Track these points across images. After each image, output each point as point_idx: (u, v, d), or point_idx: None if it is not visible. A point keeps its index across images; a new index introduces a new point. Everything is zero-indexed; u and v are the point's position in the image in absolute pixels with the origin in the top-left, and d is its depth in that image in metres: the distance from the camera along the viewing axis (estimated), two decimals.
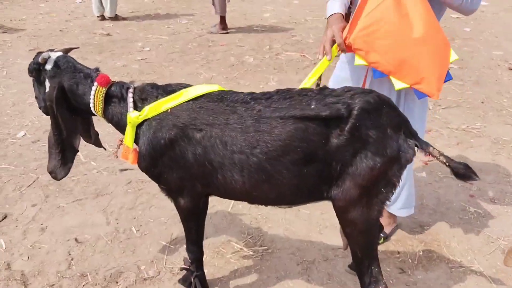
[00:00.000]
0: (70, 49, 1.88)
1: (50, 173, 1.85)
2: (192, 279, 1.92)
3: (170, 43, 5.73)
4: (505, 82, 4.79)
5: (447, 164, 1.53)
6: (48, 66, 1.72)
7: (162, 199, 2.68)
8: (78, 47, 2.15)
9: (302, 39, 6.07)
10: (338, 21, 1.85)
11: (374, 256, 1.63)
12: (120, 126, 1.73)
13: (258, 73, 4.83)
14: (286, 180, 1.53)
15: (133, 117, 1.64)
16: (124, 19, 6.71)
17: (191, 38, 5.95)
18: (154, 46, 5.60)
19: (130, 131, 1.67)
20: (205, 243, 2.12)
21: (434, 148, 1.54)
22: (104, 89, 1.69)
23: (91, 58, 5.05)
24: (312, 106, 1.47)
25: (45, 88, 1.76)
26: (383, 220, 2.30)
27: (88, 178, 2.88)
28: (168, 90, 1.68)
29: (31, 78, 1.82)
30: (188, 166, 1.61)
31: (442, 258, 2.32)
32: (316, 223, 2.54)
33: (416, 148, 1.54)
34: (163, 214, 2.56)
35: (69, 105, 1.75)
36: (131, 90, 1.70)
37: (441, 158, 1.53)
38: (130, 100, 1.67)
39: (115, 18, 6.61)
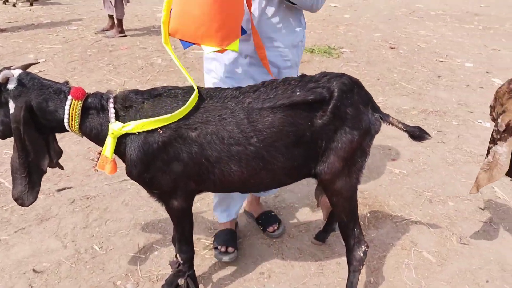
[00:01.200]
0: (30, 65, 1.73)
1: (16, 199, 1.69)
2: (184, 279, 1.92)
3: (66, 51, 5.35)
4: (390, 60, 5.47)
5: (404, 129, 1.79)
6: (11, 85, 1.58)
7: (115, 212, 2.60)
8: (38, 62, 1.96)
9: None
10: None
11: (356, 219, 1.84)
12: (100, 139, 1.67)
13: (172, 73, 4.80)
14: (281, 164, 1.64)
15: (116, 128, 1.59)
16: (2, 30, 6.05)
17: (88, 45, 5.62)
18: (49, 56, 5.17)
19: (111, 142, 1.61)
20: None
21: (393, 118, 1.79)
22: (80, 102, 1.61)
23: None
24: (298, 93, 1.61)
25: (6, 110, 1.61)
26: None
27: None
28: (154, 94, 1.66)
29: None
30: (182, 166, 1.63)
31: (386, 215, 2.65)
32: (274, 207, 2.69)
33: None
34: (122, 226, 2.48)
35: (37, 124, 1.63)
36: (111, 100, 1.64)
37: (400, 125, 1.79)
38: (111, 110, 1.62)
39: None
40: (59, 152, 1.81)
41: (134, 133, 1.60)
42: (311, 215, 2.64)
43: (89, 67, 4.90)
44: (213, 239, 2.35)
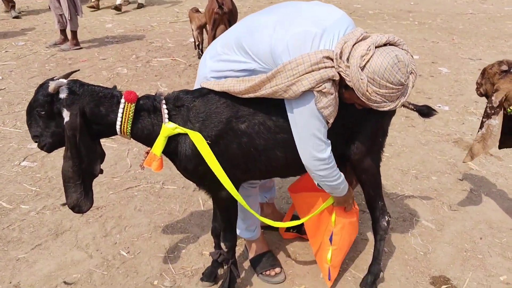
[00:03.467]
0: (71, 73, 1.75)
1: (73, 208, 1.70)
2: (228, 266, 2.01)
3: (23, 67, 5.12)
4: None
5: (415, 109, 2.04)
6: (63, 95, 1.61)
7: (131, 218, 2.62)
8: (79, 69, 1.94)
9: (162, 44, 6.14)
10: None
11: (381, 193, 2.06)
12: (150, 139, 1.72)
13: (142, 82, 4.78)
14: None
15: (170, 127, 1.66)
16: None
17: (44, 59, 5.41)
18: (5, 74, 4.93)
19: (162, 140, 1.68)
20: (190, 247, 2.21)
21: (405, 101, 2.03)
22: (133, 105, 1.66)
23: None
24: None
25: (58, 120, 1.63)
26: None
27: (30, 222, 2.56)
28: (203, 92, 1.75)
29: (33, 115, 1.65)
30: (232, 157, 1.73)
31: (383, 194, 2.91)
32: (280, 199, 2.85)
33: None
34: (142, 231, 2.51)
35: (89, 130, 1.65)
36: (163, 101, 1.71)
37: (411, 106, 2.03)
38: (164, 111, 1.69)
39: None
40: (103, 155, 1.85)
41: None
42: None
43: None
44: (249, 263, 2.29)
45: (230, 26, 4.41)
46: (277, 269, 2.20)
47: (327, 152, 1.68)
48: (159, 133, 1.70)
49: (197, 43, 5.46)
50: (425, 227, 2.60)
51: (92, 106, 1.64)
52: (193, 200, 2.80)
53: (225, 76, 1.74)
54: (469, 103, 4.37)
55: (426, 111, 2.05)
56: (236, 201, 1.89)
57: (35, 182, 2.97)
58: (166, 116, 1.69)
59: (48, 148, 1.71)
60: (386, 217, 2.08)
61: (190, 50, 5.90)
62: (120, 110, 1.66)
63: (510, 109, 2.11)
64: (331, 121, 1.65)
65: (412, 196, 2.89)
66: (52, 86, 1.58)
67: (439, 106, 4.26)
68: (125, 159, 3.27)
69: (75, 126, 1.59)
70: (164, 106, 1.71)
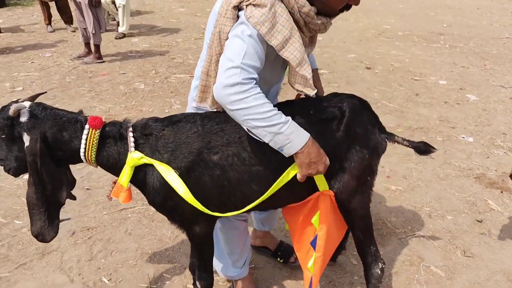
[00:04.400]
0: (37, 96, 1.68)
1: (37, 236, 1.62)
2: None
3: (44, 79, 5.22)
4: (369, 80, 5.65)
5: (410, 146, 1.85)
6: (23, 118, 1.54)
7: (119, 242, 2.52)
8: (46, 92, 1.91)
9: (183, 61, 6.15)
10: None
11: (372, 237, 1.87)
12: (117, 168, 1.63)
13: (156, 98, 4.76)
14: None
15: (136, 157, 1.57)
16: None
17: (65, 71, 5.50)
18: (26, 84, 5.03)
19: (128, 171, 1.59)
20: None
21: (398, 136, 1.85)
22: (98, 131, 1.58)
23: None
24: (311, 112, 1.64)
25: (20, 144, 1.56)
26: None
27: (20, 239, 2.51)
28: (174, 120, 1.64)
29: None
30: (204, 191, 1.61)
31: (390, 232, 2.70)
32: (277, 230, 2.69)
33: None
34: (128, 257, 2.40)
35: (52, 156, 1.57)
36: (130, 128, 1.62)
37: (405, 142, 1.85)
38: (131, 139, 1.59)
39: None
40: (73, 182, 1.76)
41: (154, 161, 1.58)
42: None
43: (70, 94, 4.79)
44: None
45: None
46: None
47: (242, 77, 1.39)
48: (125, 162, 1.60)
49: None
50: (434, 273, 2.37)
51: (54, 131, 1.56)
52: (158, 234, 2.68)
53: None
54: (496, 135, 4.08)
55: (423, 149, 1.86)
56: (211, 238, 1.76)
57: None
58: (132, 144, 1.59)
59: (14, 172, 1.63)
60: (379, 263, 1.88)
61: None
62: (84, 137, 1.57)
63: None
64: (274, 42, 1.44)
65: (422, 236, 2.66)
66: (12, 109, 1.51)
67: (463, 137, 4.00)
68: None
69: (35, 152, 1.51)
70: (131, 134, 1.61)
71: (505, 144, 3.89)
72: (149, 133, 1.62)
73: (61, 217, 2.68)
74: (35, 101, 1.63)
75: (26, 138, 1.53)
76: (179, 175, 1.56)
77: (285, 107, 1.65)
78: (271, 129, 1.43)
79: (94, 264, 2.34)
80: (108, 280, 2.24)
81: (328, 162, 1.56)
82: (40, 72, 5.46)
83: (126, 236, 2.57)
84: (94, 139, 1.57)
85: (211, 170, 1.59)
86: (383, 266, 1.88)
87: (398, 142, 1.82)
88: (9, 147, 1.58)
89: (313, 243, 1.76)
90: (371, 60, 6.61)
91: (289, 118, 1.48)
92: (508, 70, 6.20)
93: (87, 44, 5.97)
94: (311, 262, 1.76)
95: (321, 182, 1.68)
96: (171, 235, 2.59)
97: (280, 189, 1.62)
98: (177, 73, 5.59)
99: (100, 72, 5.53)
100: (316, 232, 1.74)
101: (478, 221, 2.83)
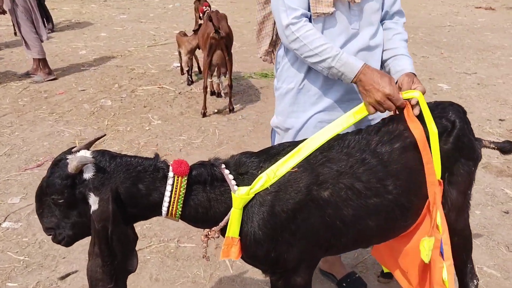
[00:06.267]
0: (95, 140, 1.33)
1: None
2: None
3: None
4: None
5: (496, 148, 1.73)
6: (88, 174, 1.21)
7: None
8: (105, 134, 1.50)
9: (145, 71, 5.70)
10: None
11: (471, 255, 1.73)
12: (206, 219, 1.34)
13: (130, 115, 4.33)
14: (415, 206, 1.46)
15: (244, 193, 1.28)
16: None
17: (16, 94, 4.86)
18: None
19: (237, 216, 1.30)
20: None
21: (485, 140, 1.72)
22: (185, 178, 1.27)
23: None
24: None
25: (81, 208, 1.23)
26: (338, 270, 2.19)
27: None
28: (271, 152, 1.37)
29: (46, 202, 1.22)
30: (314, 234, 1.36)
31: None
32: None
33: None
34: None
35: (123, 215, 1.25)
36: (223, 166, 1.32)
37: (492, 145, 1.72)
38: (230, 177, 1.31)
39: None
40: (136, 240, 1.42)
41: (255, 206, 1.31)
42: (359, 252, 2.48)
43: (28, 118, 4.22)
44: None
45: (227, 51, 4.06)
46: None
47: (290, 17, 1.51)
48: (219, 210, 1.32)
49: (186, 69, 5.06)
50: (489, 275, 2.29)
51: (128, 185, 1.25)
52: (217, 261, 2.38)
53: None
54: (482, 122, 4.17)
55: (508, 148, 1.74)
56: (310, 285, 1.51)
57: (23, 249, 2.47)
58: (234, 182, 1.31)
59: (68, 242, 1.30)
60: (475, 281, 1.74)
61: (176, 75, 5.49)
62: (169, 188, 1.26)
63: None
64: None
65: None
66: (73, 164, 1.17)
67: None
68: None
69: (107, 216, 1.19)
70: (227, 172, 1.33)
71: (494, 130, 3.98)
72: (245, 172, 1.34)
73: (66, 271, 2.32)
74: (95, 149, 1.28)
75: (94, 200, 1.20)
76: (285, 218, 1.31)
77: (389, 125, 1.46)
78: (324, 64, 1.50)
79: None
80: None
81: (387, 90, 1.41)
82: None
83: (154, 283, 2.22)
84: (182, 189, 1.27)
85: (322, 209, 1.34)
86: (478, 282, 1.74)
87: (486, 146, 1.68)
88: (65, 212, 1.24)
89: (441, 252, 1.49)
90: None
91: (341, 50, 1.49)
92: (464, 57, 6.46)
93: (35, 59, 5.32)
94: (445, 274, 1.49)
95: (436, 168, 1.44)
96: (205, 274, 2.28)
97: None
98: (143, 85, 5.16)
99: (55, 91, 4.96)
100: (440, 237, 1.47)
101: (505, 212, 2.82)
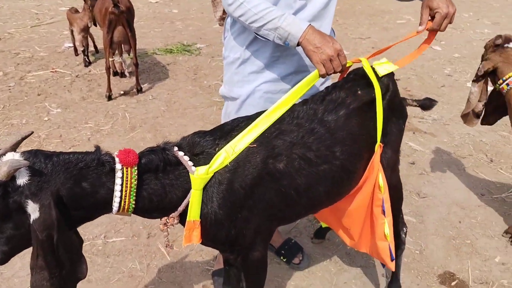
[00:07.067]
0: (22, 140, 1.12)
1: None
2: None
3: None
4: None
5: (417, 105, 1.85)
6: (22, 180, 1.03)
7: None
8: (32, 132, 1.24)
9: (32, 54, 5.09)
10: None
11: (401, 206, 1.87)
12: (162, 207, 1.25)
13: (24, 105, 3.85)
14: (359, 169, 1.51)
15: (203, 173, 1.21)
16: None
17: None
18: None
19: (197, 198, 1.23)
20: None
21: (408, 99, 1.83)
22: (135, 168, 1.15)
23: None
24: (360, 92, 1.48)
25: (17, 219, 1.07)
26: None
27: None
28: (226, 129, 1.31)
29: None
30: (270, 206, 1.35)
31: None
32: None
33: None
34: None
35: (67, 219, 1.11)
36: (176, 149, 1.23)
37: (414, 103, 1.84)
38: (186, 158, 1.23)
39: None
40: (82, 244, 1.29)
41: (213, 186, 1.26)
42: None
43: None
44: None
45: (129, 27, 3.78)
46: None
47: None
48: (176, 196, 1.24)
49: (81, 49, 4.62)
50: (407, 221, 2.48)
51: (70, 185, 1.10)
52: (152, 250, 2.27)
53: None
54: None
55: (428, 104, 1.88)
56: (266, 260, 1.50)
57: None
58: (191, 163, 1.24)
59: (3, 259, 1.15)
60: (404, 228, 1.91)
61: (70, 57, 5.00)
62: (118, 181, 1.14)
63: (498, 83, 2.15)
64: None
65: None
66: (2, 171, 0.99)
67: None
68: None
69: (50, 223, 1.05)
70: (182, 153, 1.25)
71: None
72: (200, 152, 1.27)
73: None
74: (24, 150, 1.10)
75: (33, 208, 1.04)
76: (244, 195, 1.28)
77: (332, 93, 1.47)
78: (270, 26, 1.47)
79: None
80: None
81: (337, 46, 1.44)
82: None
83: (86, 286, 2.04)
84: (133, 180, 1.15)
85: (278, 181, 1.33)
86: (406, 230, 1.90)
87: (409, 104, 1.79)
88: None
89: (383, 209, 1.59)
90: None
91: (285, 12, 1.48)
92: (358, 23, 6.85)
93: None
94: (387, 229, 1.60)
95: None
96: (141, 267, 2.16)
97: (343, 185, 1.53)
98: (32, 71, 4.61)
99: None
100: (381, 196, 1.57)
101: (411, 163, 3.10)
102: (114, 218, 2.47)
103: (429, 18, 1.53)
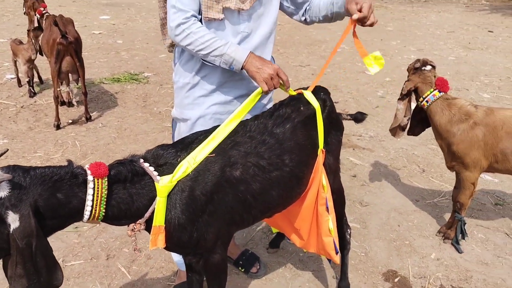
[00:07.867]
0: (0, 155, 1.19)
1: None
2: None
3: None
4: None
5: (351, 118, 2.11)
6: (3, 193, 1.13)
7: None
8: (7, 150, 1.30)
9: None
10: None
11: (344, 209, 2.08)
12: (130, 215, 1.35)
13: None
14: (306, 175, 1.70)
15: (167, 182, 1.34)
16: None
17: None
18: None
19: (162, 205, 1.35)
20: None
21: (343, 114, 2.08)
22: (105, 180, 1.26)
23: None
24: (302, 108, 1.68)
25: (0, 229, 1.14)
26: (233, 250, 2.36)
27: None
28: (186, 142, 1.43)
29: None
30: (229, 211, 1.48)
31: None
32: None
33: None
34: None
35: (44, 228, 1.20)
36: (142, 161, 1.35)
37: (348, 117, 2.09)
38: (151, 169, 1.36)
39: None
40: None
41: (177, 194, 1.39)
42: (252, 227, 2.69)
43: None
44: None
45: (77, 57, 3.84)
46: None
47: (181, 17, 1.65)
48: (142, 204, 1.36)
49: (27, 80, 4.57)
50: (352, 227, 2.73)
51: (46, 196, 1.20)
52: (112, 270, 2.31)
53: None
54: None
55: (360, 117, 2.14)
56: (227, 263, 1.63)
57: None
58: (156, 173, 1.37)
59: None
60: (348, 230, 2.11)
61: (13, 88, 4.91)
62: (90, 191, 1.25)
63: (419, 101, 2.49)
64: None
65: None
66: None
67: None
68: None
69: (30, 231, 1.14)
70: (147, 165, 1.38)
71: None
72: (164, 163, 1.40)
73: None
74: (5, 166, 1.21)
75: (13, 218, 1.13)
76: (204, 201, 1.41)
77: (279, 109, 1.67)
78: (216, 52, 1.64)
79: None
80: None
81: (276, 66, 1.66)
82: None
83: None
84: (104, 190, 1.25)
85: (235, 187, 1.47)
86: (350, 231, 2.12)
87: (344, 118, 2.03)
88: None
89: (327, 207, 1.78)
90: None
91: (228, 41, 1.67)
92: (297, 52, 7.29)
93: None
94: (331, 225, 1.79)
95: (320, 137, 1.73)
96: (103, 287, 2.19)
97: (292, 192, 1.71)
98: None
99: None
100: (325, 196, 1.77)
101: (353, 176, 3.37)
102: (71, 243, 2.48)
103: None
